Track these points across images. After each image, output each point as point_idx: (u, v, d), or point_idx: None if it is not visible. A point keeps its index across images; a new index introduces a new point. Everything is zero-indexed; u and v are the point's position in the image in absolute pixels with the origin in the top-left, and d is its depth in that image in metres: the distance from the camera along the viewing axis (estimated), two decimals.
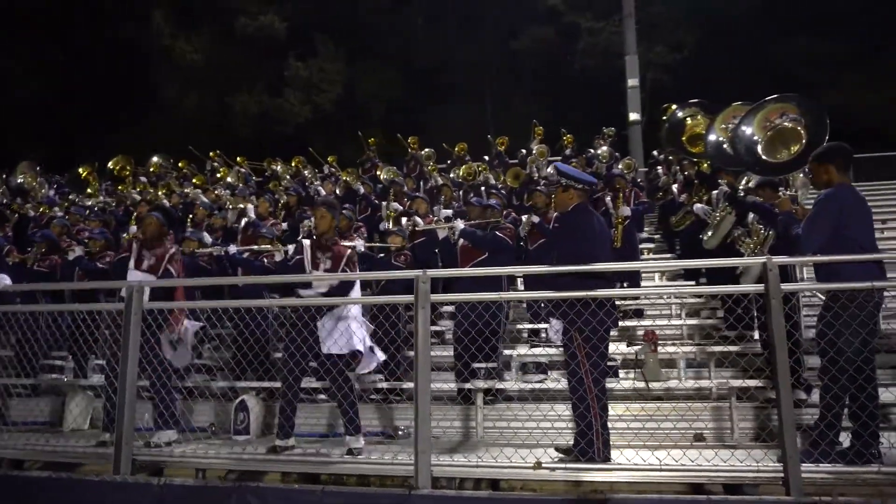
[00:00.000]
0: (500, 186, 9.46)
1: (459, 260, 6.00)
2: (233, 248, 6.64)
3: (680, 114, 8.22)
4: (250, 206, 7.67)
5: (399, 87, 28.59)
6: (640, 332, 6.44)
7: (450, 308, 6.86)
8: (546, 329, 6.80)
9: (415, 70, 28.49)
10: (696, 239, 7.43)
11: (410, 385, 5.86)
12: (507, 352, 6.01)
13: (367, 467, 4.02)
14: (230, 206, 7.98)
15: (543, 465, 3.62)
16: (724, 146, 6.76)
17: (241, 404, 5.53)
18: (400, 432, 5.39)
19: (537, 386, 5.33)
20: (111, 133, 23.33)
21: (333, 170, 12.19)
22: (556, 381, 5.31)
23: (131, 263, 5.40)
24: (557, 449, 4.12)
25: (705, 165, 8.09)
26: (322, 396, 5.85)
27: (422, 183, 10.44)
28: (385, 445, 4.97)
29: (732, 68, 23.23)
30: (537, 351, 5.96)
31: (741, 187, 6.63)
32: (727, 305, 6.03)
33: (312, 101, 26.87)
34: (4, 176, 11.24)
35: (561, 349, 5.97)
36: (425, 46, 28.43)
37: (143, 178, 12.88)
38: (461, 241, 6.03)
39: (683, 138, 8.09)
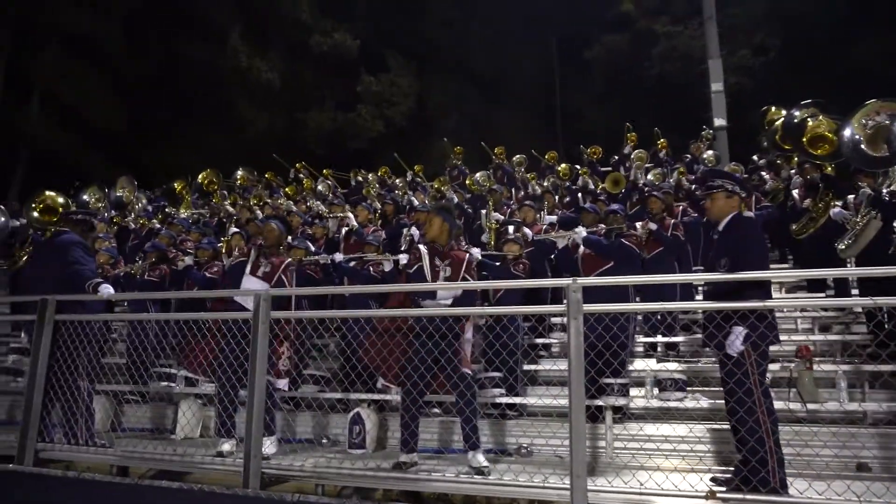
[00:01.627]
0: (598, 192, 9.07)
1: (581, 269, 5.65)
2: (339, 257, 6.55)
3: (797, 114, 7.70)
4: (351, 216, 7.59)
5: (467, 98, 28.62)
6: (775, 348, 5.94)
7: (560, 319, 6.52)
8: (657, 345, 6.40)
9: (483, 80, 28.54)
10: (821, 247, 6.86)
11: (523, 400, 5.60)
12: (634, 367, 5.63)
13: (516, 490, 3.72)
14: (330, 216, 7.92)
15: (717, 496, 3.25)
16: (862, 146, 6.26)
17: (357, 417, 5.37)
18: (523, 450, 5.08)
19: (676, 405, 4.93)
20: (181, 152, 23.75)
21: (419, 179, 12.10)
22: (695, 400, 4.90)
23: (247, 268, 5.40)
24: (714, 480, 3.77)
25: (829, 168, 7.51)
26: (436, 410, 5.63)
27: (513, 191, 10.15)
28: (505, 465, 4.69)
29: (815, 70, 21.98)
30: (668, 367, 5.54)
31: (885, 190, 6.07)
32: (876, 320, 5.46)
33: (384, 116, 27.13)
34: (106, 190, 11.66)
35: (691, 364, 5.61)
36: (492, 57, 28.43)
37: (224, 192, 13.14)
38: (582, 249, 5.71)
39: (804, 139, 7.60)
